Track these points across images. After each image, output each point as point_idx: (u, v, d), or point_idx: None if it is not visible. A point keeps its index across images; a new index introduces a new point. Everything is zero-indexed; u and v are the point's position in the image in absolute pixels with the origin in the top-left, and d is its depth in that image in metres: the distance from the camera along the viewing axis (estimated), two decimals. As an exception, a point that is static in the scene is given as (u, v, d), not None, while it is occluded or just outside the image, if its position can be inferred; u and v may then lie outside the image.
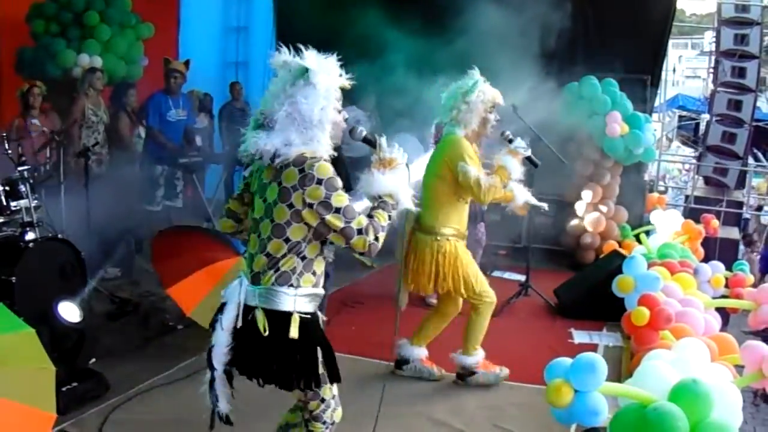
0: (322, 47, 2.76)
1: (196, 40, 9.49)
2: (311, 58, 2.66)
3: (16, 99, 6.68)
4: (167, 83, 7.54)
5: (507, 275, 7.35)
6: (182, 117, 7.62)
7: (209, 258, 4.75)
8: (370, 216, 2.71)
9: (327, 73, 2.67)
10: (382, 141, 2.87)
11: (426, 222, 4.35)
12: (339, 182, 2.62)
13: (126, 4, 7.75)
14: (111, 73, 7.54)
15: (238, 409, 2.98)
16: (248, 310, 2.70)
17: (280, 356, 2.66)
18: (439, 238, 4.31)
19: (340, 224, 2.59)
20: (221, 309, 2.79)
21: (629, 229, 7.74)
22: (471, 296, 4.44)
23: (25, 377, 3.09)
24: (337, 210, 2.59)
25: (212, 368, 2.79)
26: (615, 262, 5.95)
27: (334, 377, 2.77)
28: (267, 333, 2.63)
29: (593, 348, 5.35)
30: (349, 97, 2.90)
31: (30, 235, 4.87)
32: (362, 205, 2.80)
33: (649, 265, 5.39)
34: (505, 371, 4.69)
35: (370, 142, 2.91)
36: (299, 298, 2.68)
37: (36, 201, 5.02)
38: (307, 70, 2.64)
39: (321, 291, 2.81)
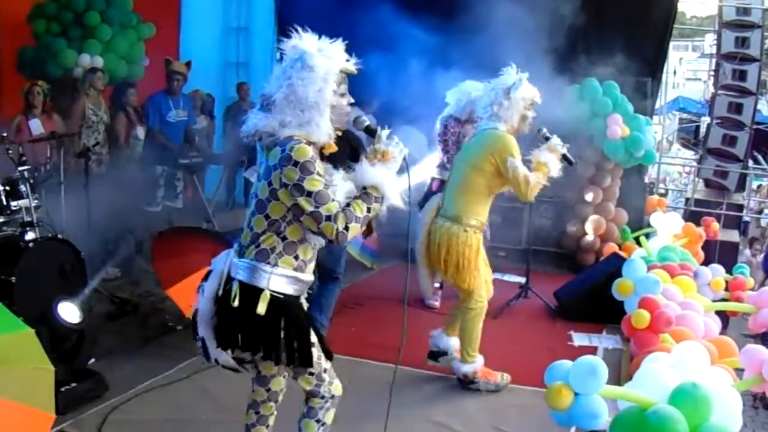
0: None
1: (197, 41, 9.48)
2: (308, 40, 2.72)
3: (17, 98, 6.67)
4: (168, 84, 7.55)
5: (507, 277, 7.34)
6: (182, 117, 7.62)
7: (209, 259, 4.74)
8: (348, 205, 2.70)
9: (328, 56, 2.71)
10: (383, 133, 2.87)
11: (454, 211, 4.40)
12: (316, 166, 2.62)
13: (127, 4, 7.73)
14: (112, 73, 7.53)
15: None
16: (229, 281, 2.76)
17: (243, 328, 2.71)
18: (467, 229, 4.36)
19: (309, 208, 2.61)
20: (206, 276, 2.87)
21: (629, 232, 7.73)
22: (466, 292, 4.47)
23: (24, 377, 3.09)
24: (309, 194, 2.60)
25: (196, 332, 2.86)
26: (615, 265, 5.95)
27: (304, 361, 2.76)
28: (237, 304, 2.68)
29: (593, 350, 5.36)
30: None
31: (30, 235, 4.87)
32: (345, 186, 2.79)
33: (649, 268, 5.38)
34: (507, 378, 4.69)
35: (372, 132, 2.91)
36: (275, 277, 2.71)
37: (36, 201, 5.03)
38: (304, 52, 2.68)
39: (306, 277, 2.83)
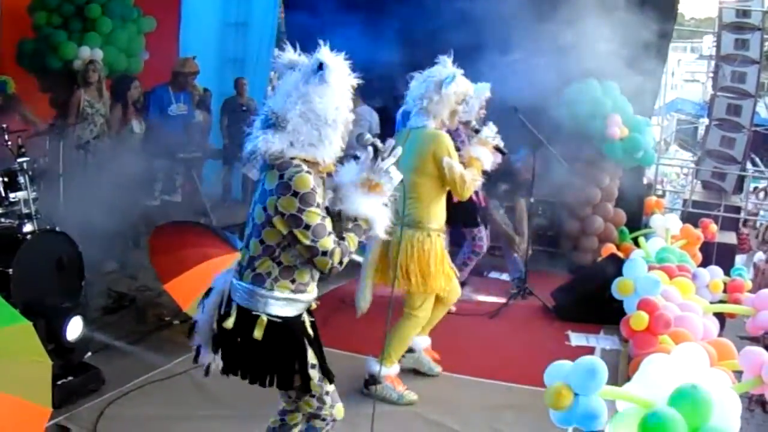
0: (329, 39, 2.72)
1: (197, 35, 9.46)
2: (326, 53, 2.62)
3: (18, 90, 6.67)
4: (177, 81, 7.53)
5: (504, 276, 7.34)
6: (183, 112, 7.61)
7: (206, 254, 4.75)
8: (342, 238, 2.66)
9: (341, 70, 2.64)
10: (383, 164, 2.78)
11: (413, 216, 4.21)
12: (315, 198, 2.57)
13: (128, -3, 7.74)
14: (111, 66, 7.50)
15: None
16: (230, 302, 2.74)
17: (241, 352, 2.71)
18: (431, 233, 4.23)
19: (306, 241, 2.57)
20: (208, 293, 2.86)
21: (627, 233, 7.73)
22: (415, 294, 4.30)
23: (20, 370, 3.07)
24: (307, 227, 2.55)
25: (194, 340, 2.89)
26: (613, 266, 5.95)
27: (303, 386, 2.76)
28: (230, 326, 2.68)
29: (590, 351, 5.35)
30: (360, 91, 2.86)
31: (28, 227, 4.86)
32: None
33: (648, 269, 5.38)
34: (413, 396, 4.40)
35: (377, 150, 2.83)
36: (272, 301, 2.68)
37: (35, 193, 5.01)
38: (321, 66, 2.59)
39: (306, 297, 2.78)
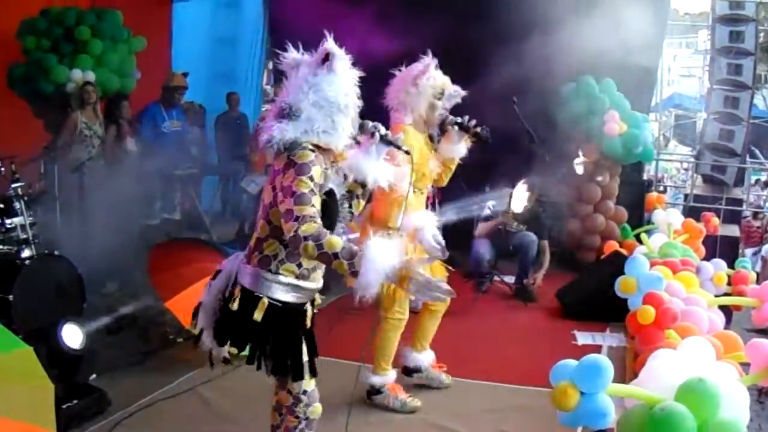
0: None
1: (188, 52, 9.47)
2: (331, 44, 2.72)
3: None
4: (168, 97, 7.54)
5: (507, 278, 7.30)
6: (177, 128, 7.61)
7: (206, 269, 4.68)
8: (328, 232, 2.53)
9: (345, 60, 2.74)
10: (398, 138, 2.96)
11: (383, 219, 4.07)
12: (309, 170, 2.59)
13: (117, 18, 7.70)
14: (104, 87, 7.49)
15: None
16: (236, 284, 2.80)
17: (240, 333, 2.76)
18: (390, 233, 3.93)
19: (286, 205, 2.55)
20: (215, 275, 2.92)
21: (630, 230, 7.72)
22: (390, 300, 4.25)
23: (23, 395, 3.05)
24: (293, 194, 2.55)
25: (197, 322, 2.91)
26: (616, 263, 5.92)
27: (295, 374, 2.79)
28: (236, 308, 2.73)
29: (597, 349, 5.33)
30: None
31: (26, 252, 4.85)
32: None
33: (651, 265, 5.35)
34: (416, 403, 4.34)
35: (386, 140, 2.94)
36: (276, 285, 2.73)
37: (31, 218, 5.00)
38: (327, 57, 2.69)
39: (309, 285, 2.83)
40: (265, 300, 2.71)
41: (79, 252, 5.24)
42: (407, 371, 4.61)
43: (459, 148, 4.25)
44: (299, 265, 2.76)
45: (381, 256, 2.42)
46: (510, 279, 7.07)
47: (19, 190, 4.98)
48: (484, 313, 6.26)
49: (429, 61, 4.14)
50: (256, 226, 2.82)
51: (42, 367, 3.20)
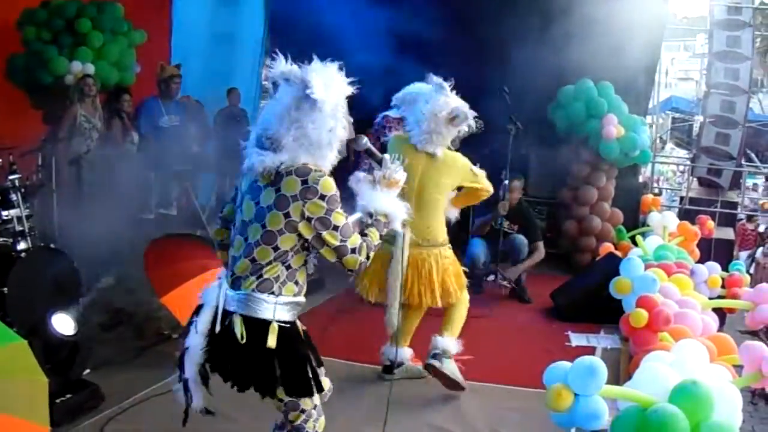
0: (319, 50, 2.73)
1: (188, 47, 9.45)
2: (317, 83, 2.57)
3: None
4: (164, 89, 7.53)
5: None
6: (175, 123, 7.59)
7: (203, 266, 4.71)
8: (363, 234, 2.71)
9: (331, 88, 2.63)
10: (386, 157, 2.90)
11: (432, 235, 4.38)
12: (339, 198, 2.63)
13: (118, 11, 7.68)
14: (103, 80, 7.48)
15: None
16: (226, 315, 2.66)
17: (256, 365, 2.64)
18: (448, 248, 4.47)
19: (335, 242, 2.60)
20: (197, 311, 2.77)
21: (625, 232, 7.73)
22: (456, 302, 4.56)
23: (17, 389, 3.04)
24: (335, 228, 2.59)
25: (182, 371, 2.78)
26: (611, 265, 5.93)
27: (316, 388, 2.74)
28: (244, 341, 2.61)
29: (591, 351, 5.33)
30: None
31: (22, 245, 4.83)
32: (354, 217, 2.81)
33: (646, 267, 5.37)
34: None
35: (373, 155, 2.93)
36: (279, 307, 2.66)
37: (28, 210, 4.98)
38: (312, 93, 2.57)
39: (302, 300, 2.79)
40: (275, 324, 2.63)
41: (75, 245, 5.22)
42: (388, 368, 4.64)
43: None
44: (296, 283, 2.73)
45: (390, 204, 2.84)
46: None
47: (16, 181, 4.95)
48: (478, 314, 6.25)
49: (434, 90, 4.28)
50: (250, 253, 2.66)
51: (36, 361, 3.20)
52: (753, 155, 14.53)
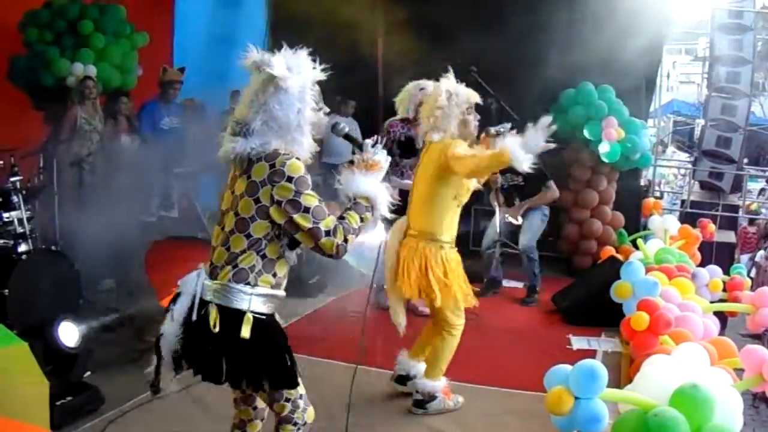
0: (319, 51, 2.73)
1: (190, 49, 9.45)
2: (278, 62, 2.60)
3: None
4: (164, 92, 7.53)
5: (505, 282, 7.31)
6: (176, 125, 7.60)
7: (204, 268, 4.71)
8: (341, 217, 2.64)
9: (298, 72, 2.63)
10: (367, 142, 2.83)
11: (426, 228, 4.15)
12: (309, 181, 2.58)
13: (120, 12, 7.69)
14: (105, 83, 7.48)
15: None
16: (203, 304, 2.64)
17: (229, 355, 2.61)
18: (444, 245, 4.14)
19: (308, 224, 2.54)
20: (175, 299, 2.75)
21: (626, 235, 7.73)
22: (449, 314, 4.24)
23: (18, 392, 3.06)
24: (306, 210, 2.54)
25: (159, 355, 2.75)
26: (612, 268, 5.93)
27: (291, 381, 2.71)
28: (217, 330, 2.58)
29: (592, 354, 5.33)
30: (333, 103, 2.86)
31: (23, 247, 4.83)
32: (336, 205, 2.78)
33: (647, 270, 5.37)
34: (461, 398, 4.46)
35: (352, 140, 2.89)
36: (254, 298, 2.62)
37: (29, 212, 4.98)
38: (274, 75, 2.58)
39: (281, 293, 2.75)
40: (249, 315, 2.60)
41: (76, 247, 5.21)
42: (402, 379, 4.56)
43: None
44: (274, 275, 2.68)
45: (370, 186, 2.75)
46: (516, 284, 7.14)
47: (18, 183, 4.94)
48: (480, 317, 6.24)
49: (444, 82, 4.13)
50: (225, 241, 2.65)
51: (37, 364, 3.20)
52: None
